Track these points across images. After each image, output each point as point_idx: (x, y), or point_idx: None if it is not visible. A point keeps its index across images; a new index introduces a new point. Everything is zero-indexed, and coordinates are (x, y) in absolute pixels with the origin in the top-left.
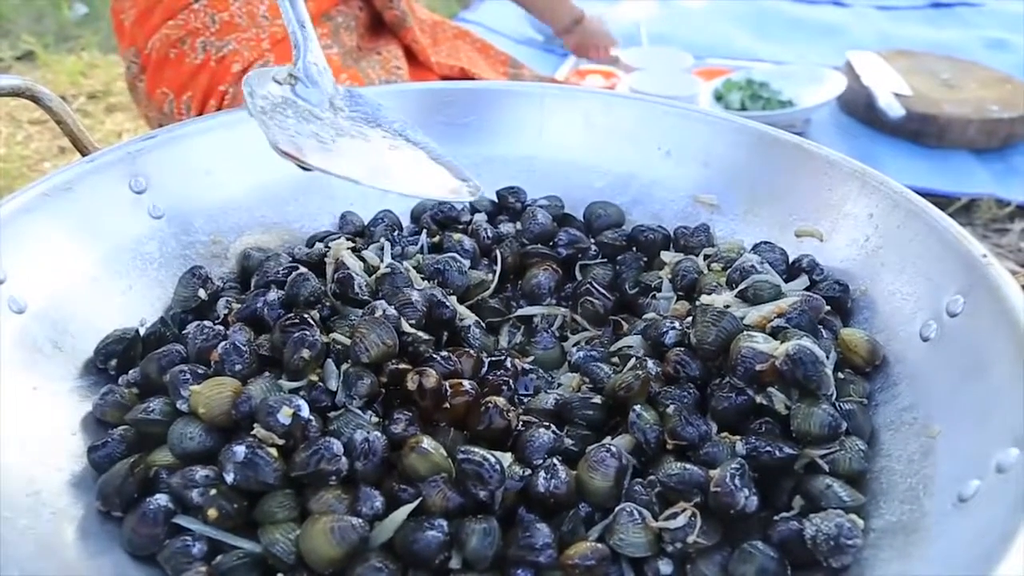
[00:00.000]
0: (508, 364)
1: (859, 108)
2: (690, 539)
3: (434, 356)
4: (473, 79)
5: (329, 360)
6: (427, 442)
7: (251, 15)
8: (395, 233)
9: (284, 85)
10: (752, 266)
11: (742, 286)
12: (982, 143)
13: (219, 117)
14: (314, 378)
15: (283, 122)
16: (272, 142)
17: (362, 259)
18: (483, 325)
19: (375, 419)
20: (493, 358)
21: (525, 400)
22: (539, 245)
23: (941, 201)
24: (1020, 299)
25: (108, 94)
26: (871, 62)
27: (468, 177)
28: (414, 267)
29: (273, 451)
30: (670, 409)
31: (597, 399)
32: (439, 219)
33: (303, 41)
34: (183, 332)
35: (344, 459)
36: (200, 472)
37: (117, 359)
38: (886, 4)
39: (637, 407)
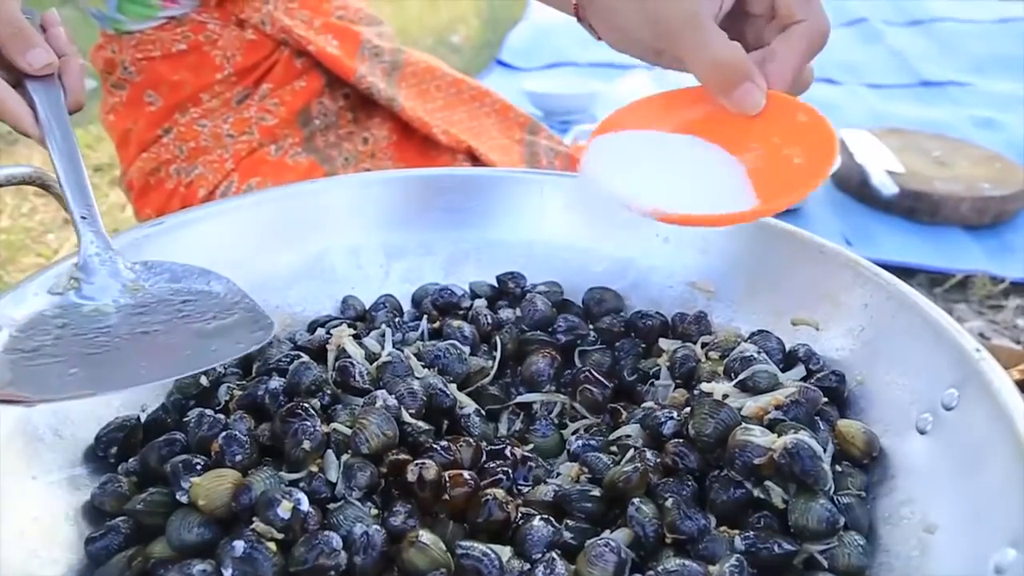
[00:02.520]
0: (507, 453)
1: (853, 185)
2: None
3: (434, 446)
4: (479, 159)
5: (330, 451)
6: (426, 536)
7: (216, 136)
8: (396, 319)
9: (65, 293)
10: (751, 356)
11: (742, 376)
12: (974, 220)
13: (224, 203)
14: (314, 468)
15: (35, 347)
16: None
17: (363, 346)
18: (483, 413)
19: (374, 511)
20: (492, 447)
21: (524, 491)
22: (539, 332)
23: (936, 278)
24: (1013, 395)
25: (114, 167)
26: (864, 140)
27: (260, 319)
28: (415, 354)
29: (272, 546)
30: (669, 502)
31: (596, 491)
32: (439, 304)
33: (81, 228)
34: (184, 419)
35: (343, 553)
36: (198, 566)
37: (118, 447)
38: (877, 82)
39: (636, 500)
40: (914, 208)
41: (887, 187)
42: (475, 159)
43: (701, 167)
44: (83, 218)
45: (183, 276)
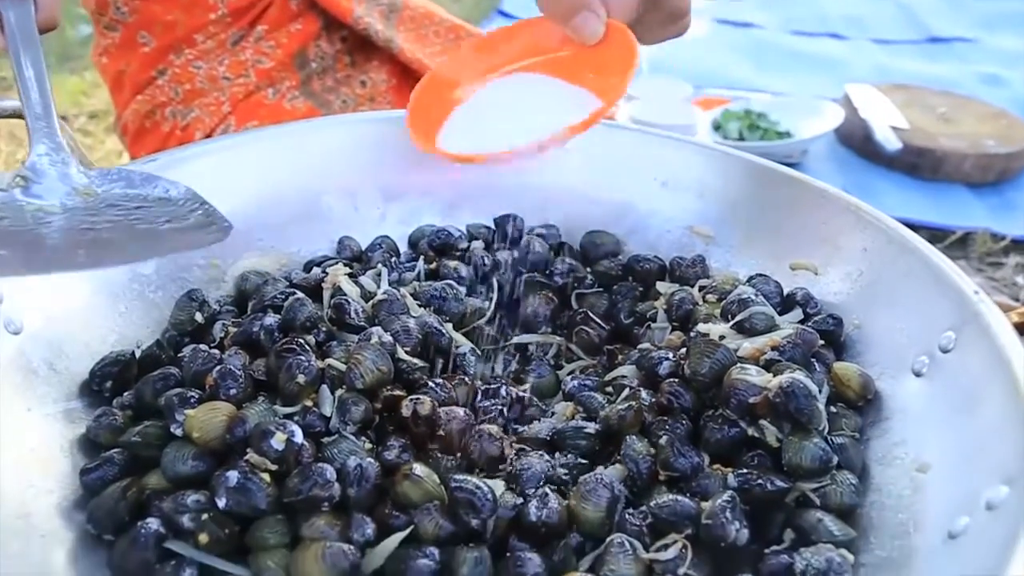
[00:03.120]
0: (503, 392)
1: (856, 140)
2: (681, 571)
3: (429, 383)
4: None
5: (324, 386)
6: (420, 469)
7: (212, 79)
8: (392, 259)
9: (9, 190)
10: (748, 298)
11: (739, 317)
12: (978, 177)
13: (220, 140)
14: (309, 403)
15: None
16: None
17: (359, 285)
18: (479, 353)
19: (368, 445)
20: (488, 386)
21: (519, 428)
22: (536, 274)
23: (936, 234)
24: (1010, 337)
25: (109, 114)
26: (869, 95)
27: (218, 221)
28: (411, 294)
29: (266, 476)
30: (663, 440)
31: (590, 428)
32: (436, 245)
33: (34, 134)
34: (179, 355)
35: (337, 485)
36: (192, 497)
37: (112, 381)
38: (883, 38)
39: (630, 437)
40: (917, 164)
41: (890, 143)
42: None
43: (542, 98)
44: (37, 118)
45: (141, 184)
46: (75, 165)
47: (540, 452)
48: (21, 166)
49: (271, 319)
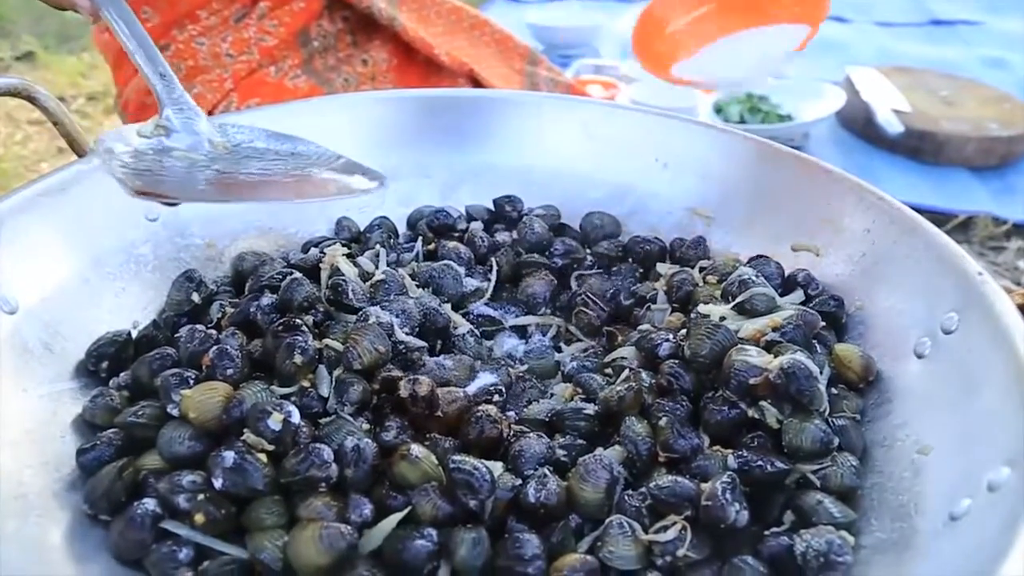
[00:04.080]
0: (502, 373)
1: (858, 123)
2: (680, 552)
3: (427, 363)
4: (481, 84)
5: (321, 366)
6: (418, 450)
7: (215, 55)
8: (391, 240)
9: (153, 138)
10: (749, 279)
11: (740, 298)
12: (980, 161)
13: (224, 118)
14: (306, 384)
15: (152, 167)
16: (132, 189)
17: (357, 265)
18: (477, 333)
19: (366, 426)
20: (486, 367)
21: (518, 410)
22: (535, 254)
23: (938, 218)
24: (1014, 317)
25: (107, 95)
26: (871, 78)
27: (366, 169)
28: (409, 274)
29: (263, 457)
30: (662, 421)
31: (590, 409)
32: (435, 226)
33: (163, 92)
34: (175, 336)
35: (334, 466)
36: (188, 477)
37: (108, 361)
38: (886, 20)
39: (629, 419)
40: (919, 148)
41: (892, 126)
42: (477, 84)
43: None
44: (161, 77)
45: (268, 139)
46: (204, 120)
47: (539, 433)
48: (157, 118)
49: (268, 299)
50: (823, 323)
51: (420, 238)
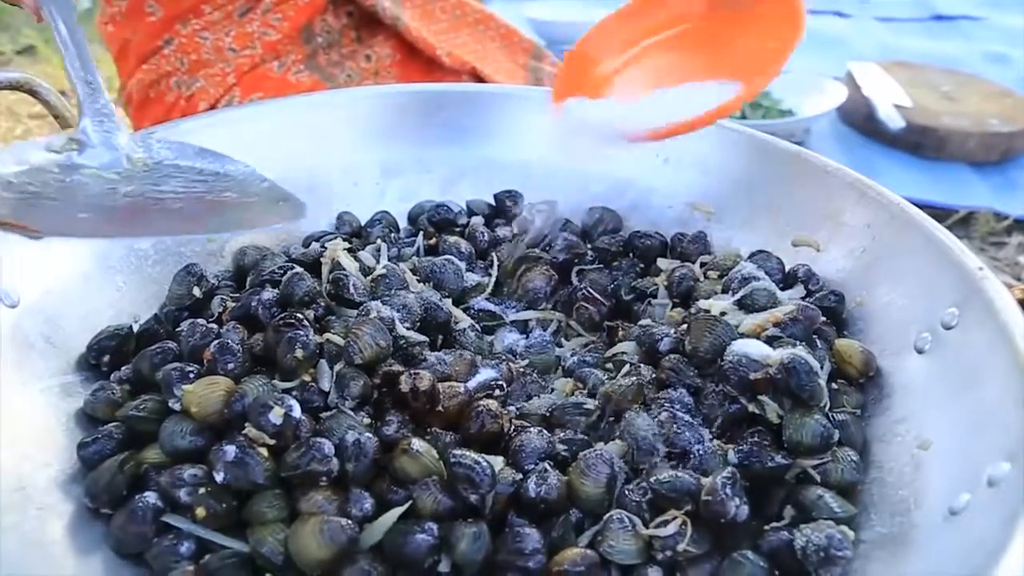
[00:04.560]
0: (502, 368)
1: (859, 119)
2: (680, 547)
3: (428, 358)
4: (484, 80)
5: (322, 360)
6: (418, 444)
7: (218, 49)
8: (392, 235)
9: (63, 153)
10: (750, 274)
11: (740, 293)
12: (981, 156)
13: (220, 114)
14: (307, 378)
15: (43, 190)
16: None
17: (358, 260)
18: (478, 328)
19: (367, 420)
20: (487, 362)
21: (518, 404)
22: (535, 249)
23: (939, 213)
24: (1014, 313)
25: (110, 89)
26: (872, 73)
27: (290, 198)
28: (410, 269)
29: (264, 451)
30: (663, 416)
31: (590, 404)
32: (436, 221)
33: (87, 99)
34: (177, 330)
35: (335, 460)
36: (189, 471)
37: (110, 355)
38: (887, 16)
39: (630, 414)
40: (920, 143)
41: (893, 121)
42: (479, 81)
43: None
44: (87, 84)
45: (194, 157)
46: (125, 133)
47: (540, 428)
48: (73, 131)
49: (269, 294)
50: (824, 318)
51: (421, 233)
